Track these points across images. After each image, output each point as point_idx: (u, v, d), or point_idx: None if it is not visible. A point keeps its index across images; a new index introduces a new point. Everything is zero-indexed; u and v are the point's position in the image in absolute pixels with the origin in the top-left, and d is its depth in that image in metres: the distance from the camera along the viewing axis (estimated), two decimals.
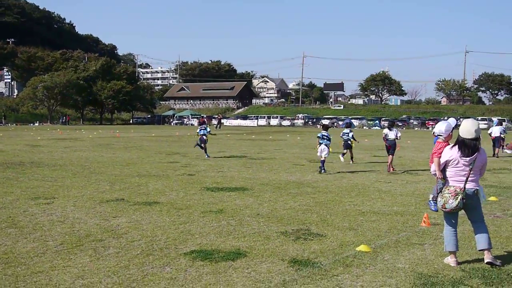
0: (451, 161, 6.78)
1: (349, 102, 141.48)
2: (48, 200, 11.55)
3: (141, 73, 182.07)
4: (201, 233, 8.53)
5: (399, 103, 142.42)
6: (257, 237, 8.24)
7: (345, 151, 21.67)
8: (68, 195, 12.30)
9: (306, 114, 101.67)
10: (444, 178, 6.90)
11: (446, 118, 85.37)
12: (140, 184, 14.17)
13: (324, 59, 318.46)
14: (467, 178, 6.72)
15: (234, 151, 27.98)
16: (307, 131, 66.49)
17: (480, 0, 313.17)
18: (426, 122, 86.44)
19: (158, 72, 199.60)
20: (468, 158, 6.68)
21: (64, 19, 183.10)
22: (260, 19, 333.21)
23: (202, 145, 23.53)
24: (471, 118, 8.88)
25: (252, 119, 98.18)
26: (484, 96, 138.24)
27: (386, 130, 19.36)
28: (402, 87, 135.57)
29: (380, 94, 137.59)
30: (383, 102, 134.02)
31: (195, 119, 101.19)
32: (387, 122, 22.17)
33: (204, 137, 23.60)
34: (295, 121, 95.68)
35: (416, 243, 7.97)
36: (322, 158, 17.95)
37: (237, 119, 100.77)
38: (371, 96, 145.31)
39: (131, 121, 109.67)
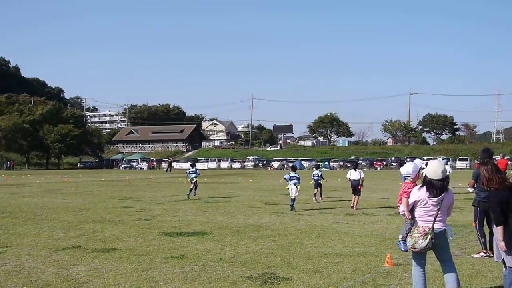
0: (419, 202, 6.85)
1: (298, 143, 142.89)
2: (0, 249, 11.09)
3: (88, 116, 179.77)
4: (165, 279, 8.33)
5: (347, 144, 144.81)
6: (223, 283, 8.10)
7: (315, 190, 23.44)
8: (22, 243, 11.86)
9: (256, 156, 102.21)
10: (413, 218, 6.97)
11: (408, 159, 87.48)
12: (96, 230, 13.81)
13: (273, 101, 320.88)
14: (435, 218, 6.80)
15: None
16: (258, 173, 66.66)
17: (423, 44, 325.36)
18: (374, 162, 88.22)
19: (106, 116, 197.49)
20: (436, 198, 6.79)
21: (9, 61, 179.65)
22: (209, 62, 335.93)
23: (192, 186, 25.59)
24: (437, 159, 9.07)
25: (203, 162, 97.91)
26: (429, 137, 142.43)
27: (350, 171, 20.48)
28: (349, 128, 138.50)
29: (328, 136, 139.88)
30: (331, 144, 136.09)
31: (145, 163, 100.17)
32: (352, 163, 23.50)
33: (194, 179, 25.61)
34: (246, 163, 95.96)
35: (382, 284, 8.00)
36: (292, 197, 19.47)
37: (187, 162, 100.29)
38: (319, 138, 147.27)
39: (78, 165, 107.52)
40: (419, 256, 6.99)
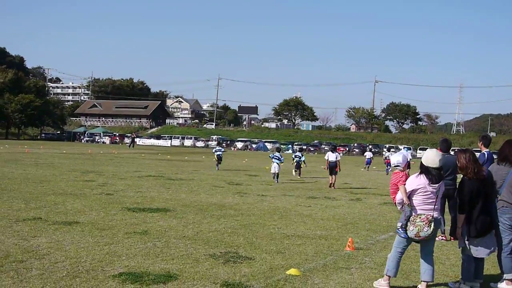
0: (419, 189, 6.89)
1: (262, 125, 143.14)
2: None
3: (51, 87, 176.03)
4: (127, 254, 8.29)
5: (310, 128, 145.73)
6: (186, 260, 8.11)
7: (296, 169, 27.72)
8: None
9: (220, 136, 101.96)
10: (410, 205, 7.04)
11: (370, 146, 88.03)
12: (57, 203, 13.63)
13: (239, 82, 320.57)
14: (434, 206, 6.91)
15: (151, 171, 27.57)
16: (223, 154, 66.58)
17: (390, 31, 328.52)
18: (337, 148, 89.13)
19: (69, 88, 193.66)
20: (436, 185, 6.87)
21: None
22: (176, 40, 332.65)
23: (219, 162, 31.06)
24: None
25: (166, 139, 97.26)
26: (391, 125, 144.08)
27: (328, 153, 22.99)
28: (314, 112, 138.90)
29: (292, 119, 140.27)
30: (295, 127, 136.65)
31: (107, 137, 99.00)
32: (330, 145, 29.43)
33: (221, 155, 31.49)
34: (209, 142, 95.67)
35: (343, 267, 8.13)
36: (276, 172, 23.85)
37: (150, 138, 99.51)
38: (284, 121, 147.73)
39: (39, 137, 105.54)
40: (407, 243, 7.10)
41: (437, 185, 6.86)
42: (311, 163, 42.58)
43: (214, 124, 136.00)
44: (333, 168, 22.42)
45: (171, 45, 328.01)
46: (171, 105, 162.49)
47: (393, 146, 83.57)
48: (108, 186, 18.46)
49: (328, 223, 12.48)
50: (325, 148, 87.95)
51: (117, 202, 14.30)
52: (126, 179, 21.67)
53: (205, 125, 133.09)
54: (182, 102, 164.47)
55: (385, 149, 42.70)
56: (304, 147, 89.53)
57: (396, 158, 7.50)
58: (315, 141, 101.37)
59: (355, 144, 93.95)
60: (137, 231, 10.28)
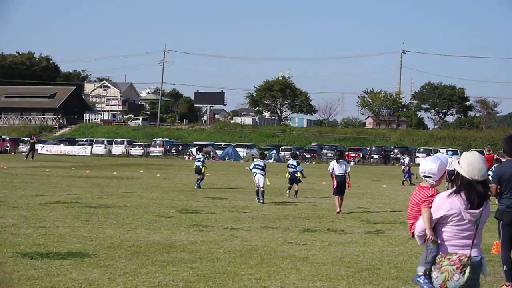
0: (451, 216, 6.79)
1: (232, 121, 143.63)
2: None
3: None
4: None
5: (305, 125, 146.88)
6: None
7: (290, 185, 28.52)
8: None
9: (167, 139, 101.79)
10: (436, 241, 6.90)
11: (396, 150, 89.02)
12: None
13: (195, 55, 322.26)
14: (473, 241, 6.82)
15: (60, 194, 27.38)
16: (169, 165, 66.47)
17: None
18: (347, 153, 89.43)
19: None
20: (477, 211, 6.75)
21: None
22: None
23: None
24: (473, 150, 9.10)
25: (84, 144, 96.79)
26: (427, 117, 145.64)
27: (333, 163, 23.24)
28: (310, 100, 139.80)
29: (278, 111, 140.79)
30: (282, 123, 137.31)
31: None
32: (335, 151, 29.80)
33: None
34: (151, 148, 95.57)
35: None
36: (261, 186, 25.25)
37: (59, 143, 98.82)
38: (264, 114, 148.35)
39: None
40: None
41: (478, 210, 6.80)
42: (307, 178, 42.65)
43: (158, 120, 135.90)
44: (341, 184, 22.78)
45: (91, 3, 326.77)
46: (91, 92, 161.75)
47: (429, 150, 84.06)
48: None
49: (333, 269, 12.48)
50: (328, 154, 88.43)
51: (6, 244, 14.11)
52: (20, 208, 21.45)
53: (141, 121, 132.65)
54: (109, 87, 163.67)
55: (404, 156, 42.66)
56: (297, 152, 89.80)
57: (428, 165, 7.35)
58: (313, 144, 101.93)
59: (373, 148, 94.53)
60: None
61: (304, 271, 12.21)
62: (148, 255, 13.43)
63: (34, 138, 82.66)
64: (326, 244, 15.69)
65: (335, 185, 22.75)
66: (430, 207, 6.96)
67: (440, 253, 6.85)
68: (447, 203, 6.86)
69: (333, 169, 22.99)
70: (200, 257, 13.31)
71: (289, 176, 28.57)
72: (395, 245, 15.83)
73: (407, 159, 42.13)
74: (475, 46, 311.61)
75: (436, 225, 6.92)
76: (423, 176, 7.35)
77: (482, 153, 36.36)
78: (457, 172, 6.94)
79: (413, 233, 7.20)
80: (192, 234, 16.74)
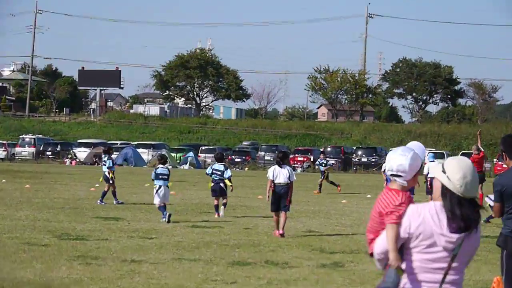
0: (419, 239, 6.83)
1: (130, 110, 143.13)
2: None
3: None
4: None
5: (234, 116, 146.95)
6: None
7: (216, 200, 28.71)
8: None
9: (40, 136, 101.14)
10: (401, 268, 6.88)
11: (360, 152, 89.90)
12: None
13: (77, 18, 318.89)
14: (444, 276, 6.80)
15: None
16: (44, 172, 65.96)
17: None
18: (292, 157, 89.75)
19: None
20: (455, 236, 6.79)
21: None
22: None
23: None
24: (463, 153, 9.03)
25: None
26: (403, 107, 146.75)
27: (273, 169, 23.77)
28: (240, 82, 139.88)
29: (196, 96, 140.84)
30: (202, 113, 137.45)
31: None
32: (279, 152, 27.48)
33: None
34: (18, 149, 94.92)
35: None
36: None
37: None
38: (177, 100, 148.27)
39: None
40: None
41: (458, 236, 6.75)
42: (236, 190, 42.76)
43: (27, 109, 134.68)
44: (281, 197, 23.24)
45: None
46: None
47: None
48: None
49: None
50: (266, 158, 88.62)
51: None
52: None
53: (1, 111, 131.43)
54: None
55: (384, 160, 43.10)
56: (223, 154, 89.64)
57: (395, 159, 7.31)
58: (245, 143, 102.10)
59: (328, 148, 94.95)
60: None
61: None
62: None
63: None
64: (264, 282, 15.71)
65: (272, 198, 23.43)
66: (397, 222, 6.87)
67: (403, 286, 6.85)
68: (416, 217, 6.77)
69: (274, 174, 23.42)
70: None
71: (213, 185, 28.70)
72: (360, 283, 15.95)
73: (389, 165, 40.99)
74: (467, 8, 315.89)
75: (404, 247, 6.86)
76: (391, 175, 7.33)
77: (469, 155, 36.61)
78: (439, 182, 6.83)
79: (372, 253, 7.15)
80: (76, 269, 16.63)
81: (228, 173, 29.00)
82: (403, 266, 6.78)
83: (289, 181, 23.25)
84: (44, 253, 18.81)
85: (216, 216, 28.72)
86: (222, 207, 29.01)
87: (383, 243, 6.91)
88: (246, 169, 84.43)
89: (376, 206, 7.16)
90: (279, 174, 23.33)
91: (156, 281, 15.42)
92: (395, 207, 7.00)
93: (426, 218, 6.74)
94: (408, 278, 6.79)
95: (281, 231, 22.96)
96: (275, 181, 23.32)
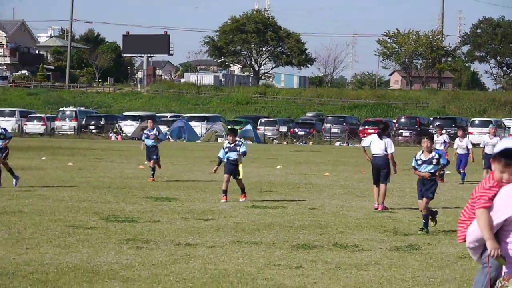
0: None
1: (181, 80, 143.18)
2: None
3: None
4: None
5: (296, 85, 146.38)
6: None
7: (226, 176, 26.69)
8: None
9: (82, 108, 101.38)
10: (502, 255, 6.90)
11: (438, 124, 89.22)
12: None
13: None
14: None
15: None
16: (88, 149, 66.26)
17: None
18: (362, 129, 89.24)
19: None
20: None
21: None
22: None
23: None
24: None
25: None
26: (485, 72, 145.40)
27: (371, 138, 25.87)
28: (303, 46, 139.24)
29: (254, 63, 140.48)
30: (261, 82, 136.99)
31: None
32: (380, 123, 31.02)
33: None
34: (58, 123, 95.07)
35: None
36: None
37: None
38: (233, 68, 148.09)
39: None
40: None
41: None
42: (298, 166, 42.69)
43: (67, 79, 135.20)
44: (380, 168, 25.47)
45: None
46: None
47: (488, 122, 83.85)
48: None
49: None
50: (333, 131, 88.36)
51: None
52: None
53: (41, 81, 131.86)
54: None
55: (436, 130, 42.08)
56: (284, 128, 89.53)
57: (506, 144, 7.21)
58: (308, 114, 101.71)
59: (402, 119, 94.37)
60: None
61: None
62: (60, 286, 13.51)
63: None
64: (332, 267, 15.76)
65: (372, 170, 25.82)
66: (488, 206, 6.92)
67: (504, 274, 6.93)
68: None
69: (371, 144, 25.96)
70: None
71: (226, 163, 27.33)
72: (438, 267, 15.91)
73: (441, 137, 39.48)
74: None
75: (499, 233, 6.92)
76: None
77: None
78: None
79: (463, 240, 7.24)
80: (126, 253, 16.80)
81: (243, 147, 27.70)
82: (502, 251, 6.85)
83: (386, 153, 25.14)
84: (91, 236, 19.01)
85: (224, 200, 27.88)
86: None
87: (475, 230, 6.96)
88: (311, 143, 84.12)
89: (474, 194, 7.17)
90: (375, 145, 25.55)
91: (213, 266, 15.49)
92: (484, 190, 7.04)
93: None
94: (509, 262, 6.90)
95: (379, 206, 24.65)
96: (372, 152, 25.68)
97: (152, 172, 33.41)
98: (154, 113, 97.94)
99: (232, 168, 26.03)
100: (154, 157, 33.29)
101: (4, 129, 32.71)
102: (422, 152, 19.47)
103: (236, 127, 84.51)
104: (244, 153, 26.65)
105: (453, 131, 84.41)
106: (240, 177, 26.30)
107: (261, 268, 15.50)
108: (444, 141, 37.05)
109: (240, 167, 25.93)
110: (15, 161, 45.73)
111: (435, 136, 38.84)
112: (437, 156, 19.12)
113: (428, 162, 18.93)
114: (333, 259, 16.61)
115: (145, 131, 36.03)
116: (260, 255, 16.98)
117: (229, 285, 13.82)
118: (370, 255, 17.17)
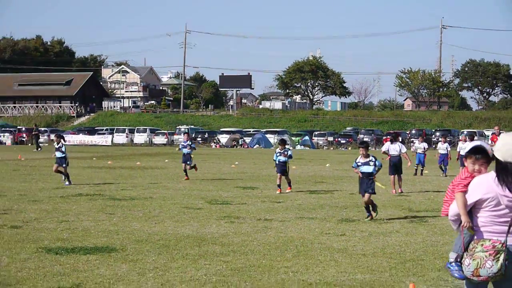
0: (487, 200, 6.74)
1: (260, 106, 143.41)
2: None
3: None
4: None
5: (339, 108, 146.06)
6: None
7: (278, 176, 25.58)
8: None
9: (192, 126, 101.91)
10: (472, 227, 6.92)
11: (438, 133, 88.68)
12: None
13: (219, 36, 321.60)
14: (509, 228, 6.73)
15: (82, 186, 27.58)
16: (196, 154, 66.55)
17: None
18: (384, 138, 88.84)
19: None
20: None
21: None
22: None
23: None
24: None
25: (104, 133, 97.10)
26: (471, 97, 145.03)
27: (388, 144, 27.51)
28: (344, 82, 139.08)
29: (309, 94, 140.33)
30: (315, 107, 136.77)
31: (8, 133, 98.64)
32: (392, 133, 29.43)
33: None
34: (176, 136, 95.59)
35: None
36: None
37: (78, 133, 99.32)
38: (295, 97, 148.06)
39: None
40: None
41: None
42: (341, 164, 42.52)
43: (181, 106, 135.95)
44: (396, 164, 26.55)
45: None
46: (109, 77, 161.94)
47: (473, 132, 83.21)
48: (13, 214, 18.47)
49: (374, 261, 12.56)
50: (365, 139, 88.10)
51: (29, 240, 14.30)
52: (42, 202, 21.67)
53: (163, 108, 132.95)
54: (128, 72, 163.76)
55: (461, 139, 41.85)
56: (331, 138, 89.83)
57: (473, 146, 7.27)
58: (348, 128, 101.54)
59: (413, 131, 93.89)
60: (64, 286, 10.28)
61: (343, 263, 12.28)
62: (178, 249, 13.56)
63: (36, 126, 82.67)
64: (366, 234, 15.75)
65: (392, 165, 26.53)
66: (464, 191, 6.90)
67: (475, 238, 6.82)
68: (482, 185, 6.79)
69: (388, 149, 27.02)
70: (233, 250, 13.43)
71: (276, 165, 25.84)
72: (440, 234, 15.86)
73: (445, 144, 37.81)
74: None
75: (472, 210, 6.87)
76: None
77: None
78: (493, 154, 6.86)
79: (447, 216, 7.14)
80: (223, 226, 16.89)
81: (289, 151, 26.22)
82: (473, 223, 6.86)
83: (400, 153, 26.62)
84: (199, 214, 19.07)
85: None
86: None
87: (455, 208, 6.99)
88: (349, 148, 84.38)
89: (454, 181, 7.17)
90: (392, 148, 26.82)
91: (283, 234, 15.54)
92: (461, 179, 7.05)
93: (491, 184, 6.75)
94: (481, 229, 6.82)
95: (399, 190, 26.23)
96: (390, 153, 26.73)
97: (185, 173, 32.04)
98: (241, 129, 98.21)
99: (282, 169, 25.49)
100: (188, 162, 32.22)
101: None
102: (360, 157, 19.29)
103: (297, 138, 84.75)
104: (290, 157, 26.07)
105: (449, 139, 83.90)
106: (287, 174, 25.82)
107: (316, 235, 15.48)
108: (446, 148, 36.73)
109: (287, 167, 25.65)
110: (147, 163, 46.08)
111: (439, 143, 38.60)
112: (373, 159, 18.92)
113: (367, 164, 18.82)
114: (366, 229, 16.59)
115: (182, 142, 34.47)
116: (315, 226, 16.95)
117: (294, 248, 13.79)
118: (392, 226, 17.13)
